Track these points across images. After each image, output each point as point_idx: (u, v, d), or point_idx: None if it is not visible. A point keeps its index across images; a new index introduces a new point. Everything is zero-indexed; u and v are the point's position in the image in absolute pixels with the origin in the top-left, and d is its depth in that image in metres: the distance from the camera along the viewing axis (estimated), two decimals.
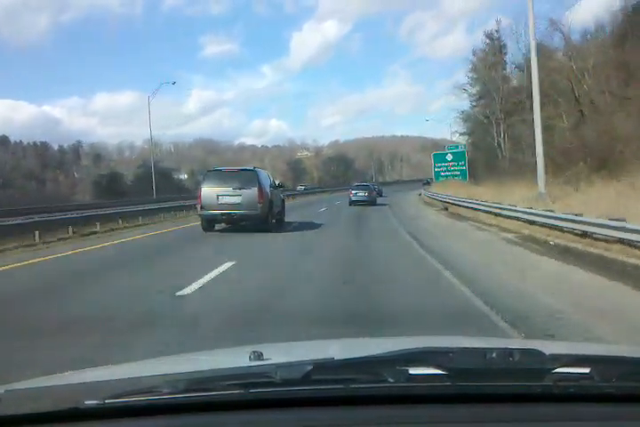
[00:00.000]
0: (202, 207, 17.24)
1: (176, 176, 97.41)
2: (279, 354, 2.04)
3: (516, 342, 3.55)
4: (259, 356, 1.66)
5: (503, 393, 1.46)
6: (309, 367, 1.45)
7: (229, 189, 17.09)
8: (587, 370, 1.47)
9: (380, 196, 46.76)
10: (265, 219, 17.46)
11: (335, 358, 1.62)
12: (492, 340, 3.37)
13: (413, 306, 6.76)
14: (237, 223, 17.88)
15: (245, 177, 17.51)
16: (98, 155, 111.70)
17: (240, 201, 16.93)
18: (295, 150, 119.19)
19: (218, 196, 16.99)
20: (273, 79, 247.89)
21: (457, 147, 52.58)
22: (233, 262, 10.16)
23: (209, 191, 17.20)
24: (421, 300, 7.23)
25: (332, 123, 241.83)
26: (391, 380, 1.44)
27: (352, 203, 36.37)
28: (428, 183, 64.23)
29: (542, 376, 1.46)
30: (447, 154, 50.78)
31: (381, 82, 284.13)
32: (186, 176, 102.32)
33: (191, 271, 9.20)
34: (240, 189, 17.04)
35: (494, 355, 1.52)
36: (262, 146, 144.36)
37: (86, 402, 1.42)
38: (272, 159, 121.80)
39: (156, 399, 1.44)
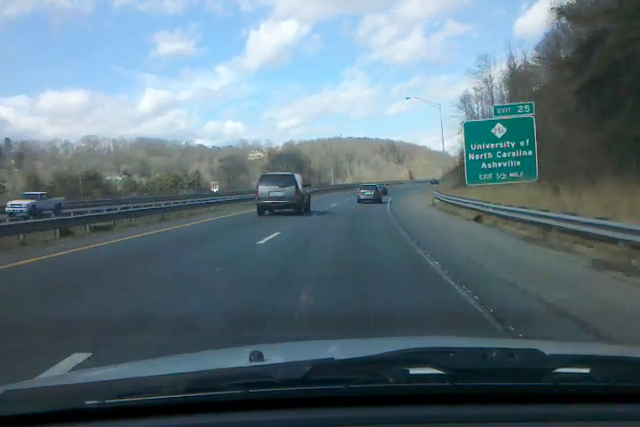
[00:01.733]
0: (259, 198, 25.81)
1: (110, 177, 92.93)
2: (279, 354, 2.04)
3: (516, 343, 3.53)
4: (259, 356, 1.66)
5: (503, 393, 1.46)
6: (309, 367, 1.45)
7: (277, 187, 25.48)
8: (587, 370, 1.47)
9: (385, 194, 51.00)
10: (299, 207, 25.85)
11: (335, 358, 1.62)
12: (492, 340, 3.37)
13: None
14: (280, 209, 25.80)
15: (286, 179, 26.67)
16: (20, 153, 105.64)
17: (283, 195, 25.40)
18: (247, 152, 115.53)
19: (269, 191, 25.39)
20: (229, 80, 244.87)
21: (516, 109, 26.49)
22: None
23: (263, 188, 25.67)
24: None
25: (289, 125, 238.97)
26: (391, 380, 1.44)
27: (360, 201, 41.16)
28: (436, 182, 66.90)
29: (542, 376, 1.46)
30: (495, 124, 25.94)
31: (339, 84, 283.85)
32: (119, 178, 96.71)
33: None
34: (283, 187, 25.48)
35: (494, 355, 1.53)
36: (213, 147, 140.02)
37: (86, 402, 1.42)
38: (222, 160, 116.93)
39: (156, 399, 1.44)
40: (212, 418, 1.43)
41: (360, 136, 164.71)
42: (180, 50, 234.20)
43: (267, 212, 26.03)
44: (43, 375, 3.12)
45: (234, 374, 1.60)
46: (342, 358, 1.62)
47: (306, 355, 1.87)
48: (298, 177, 27.99)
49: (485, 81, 55.14)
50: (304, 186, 28.73)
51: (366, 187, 44.91)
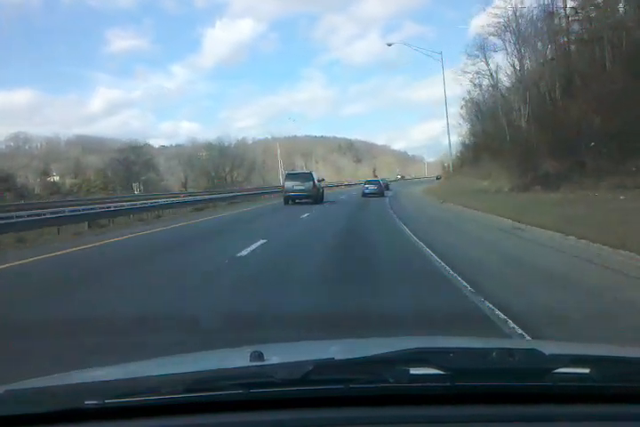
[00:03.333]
0: (285, 191, 33.70)
1: (24, 178, 75.30)
2: (279, 354, 2.03)
3: (516, 343, 3.56)
4: (259, 356, 1.66)
5: (503, 393, 1.47)
6: (309, 367, 1.45)
7: (298, 182, 33.03)
8: (586, 370, 1.48)
9: (388, 189, 54.89)
10: (315, 198, 32.91)
11: (335, 358, 1.62)
12: (492, 340, 3.36)
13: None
14: (300, 200, 32.74)
15: (306, 176, 34.57)
16: None
17: (304, 188, 32.72)
18: (197, 151, 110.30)
19: (293, 186, 32.91)
20: (185, 79, 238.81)
21: None
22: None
23: (288, 183, 33.52)
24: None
25: (246, 125, 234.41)
26: (391, 380, 1.44)
27: (364, 195, 44.34)
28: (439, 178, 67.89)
29: (542, 376, 1.47)
30: None
31: (297, 83, 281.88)
32: (38, 180, 79.38)
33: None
34: (303, 182, 33.00)
35: (494, 355, 1.53)
36: (160, 146, 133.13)
37: (86, 402, 1.42)
38: (167, 159, 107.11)
39: (156, 399, 1.44)
40: (212, 418, 1.43)
41: (317, 135, 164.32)
42: (133, 48, 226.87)
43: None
44: None
45: (234, 374, 1.59)
46: (343, 358, 1.62)
47: (306, 355, 1.87)
48: (314, 174, 36.03)
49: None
50: (319, 181, 36.28)
51: (370, 182, 48.97)
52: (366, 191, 45.17)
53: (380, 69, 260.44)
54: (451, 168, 52.19)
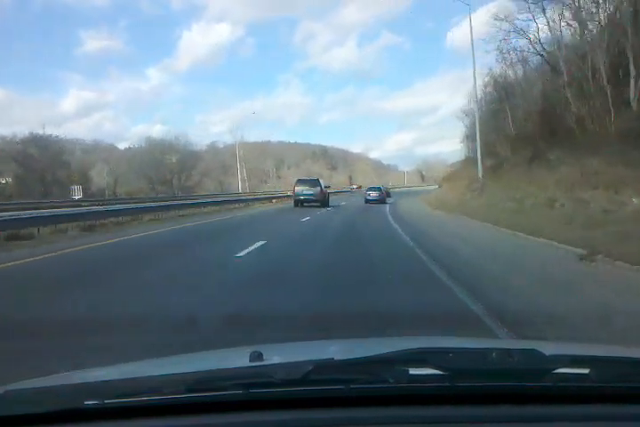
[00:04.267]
0: (295, 195, 37.69)
1: None
2: (279, 354, 2.03)
3: (516, 343, 3.55)
4: (259, 356, 1.66)
5: (503, 394, 1.47)
6: (309, 368, 1.45)
7: (307, 187, 37.55)
8: (586, 371, 1.48)
9: (389, 196, 54.89)
10: (323, 202, 37.49)
11: (335, 359, 1.62)
12: (491, 340, 3.39)
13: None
14: (309, 203, 36.68)
15: (314, 182, 38.85)
16: None
17: (312, 193, 37.18)
18: (164, 153, 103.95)
19: (302, 190, 37.33)
20: (160, 81, 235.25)
21: None
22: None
23: (298, 188, 37.65)
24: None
25: (221, 130, 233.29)
26: (391, 380, 1.44)
27: (367, 201, 45.60)
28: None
29: (542, 377, 1.47)
30: None
31: (274, 89, 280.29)
32: None
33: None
34: (312, 187, 37.54)
35: (494, 355, 1.53)
36: (125, 148, 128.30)
37: (86, 402, 1.42)
38: (129, 162, 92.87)
39: (156, 400, 1.44)
40: (211, 418, 1.43)
41: (291, 141, 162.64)
42: (107, 49, 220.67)
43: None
44: None
45: (234, 374, 1.59)
46: (342, 358, 1.62)
47: (306, 355, 1.87)
48: (321, 181, 40.46)
49: None
50: (325, 187, 40.45)
51: (372, 189, 50.27)
52: (368, 198, 46.20)
53: (357, 78, 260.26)
54: (479, 173, 32.58)
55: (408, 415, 1.43)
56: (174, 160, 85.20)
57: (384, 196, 47.46)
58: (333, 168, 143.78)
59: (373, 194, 46.87)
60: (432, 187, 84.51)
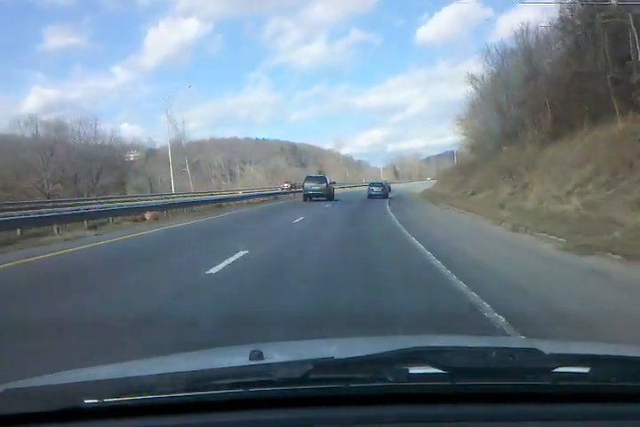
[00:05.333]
0: (305, 190, 42.69)
1: None
2: (279, 353, 2.03)
3: (516, 342, 3.54)
4: (258, 355, 1.65)
5: (503, 393, 1.47)
6: (309, 367, 1.45)
7: (315, 184, 42.76)
8: (586, 370, 1.48)
9: (389, 191, 56.95)
10: (328, 196, 42.01)
11: (335, 358, 1.61)
12: (491, 339, 3.39)
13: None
14: (317, 198, 41.21)
15: (321, 179, 44.59)
16: None
17: (319, 188, 42.13)
18: (125, 151, 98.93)
19: (311, 186, 42.43)
20: (126, 79, 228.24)
21: None
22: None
23: (307, 184, 42.83)
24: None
25: (189, 128, 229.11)
26: (391, 379, 1.44)
27: (370, 196, 48.33)
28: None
29: (542, 376, 1.47)
30: None
31: (243, 87, 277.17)
32: None
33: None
34: (319, 184, 42.75)
35: (494, 354, 1.54)
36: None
37: (86, 402, 1.42)
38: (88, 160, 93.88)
39: (155, 399, 1.43)
40: (211, 417, 1.42)
41: (259, 137, 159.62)
42: (71, 46, 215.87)
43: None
44: None
45: (233, 372, 1.59)
46: (342, 357, 1.61)
47: (306, 354, 1.87)
48: (328, 178, 46.28)
49: None
50: (331, 183, 46.84)
51: (375, 184, 53.84)
52: (372, 193, 49.57)
53: (327, 75, 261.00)
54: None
55: (408, 414, 1.43)
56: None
57: (386, 191, 51.02)
58: (302, 165, 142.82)
59: (376, 189, 50.40)
60: (418, 183, 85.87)
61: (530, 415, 1.43)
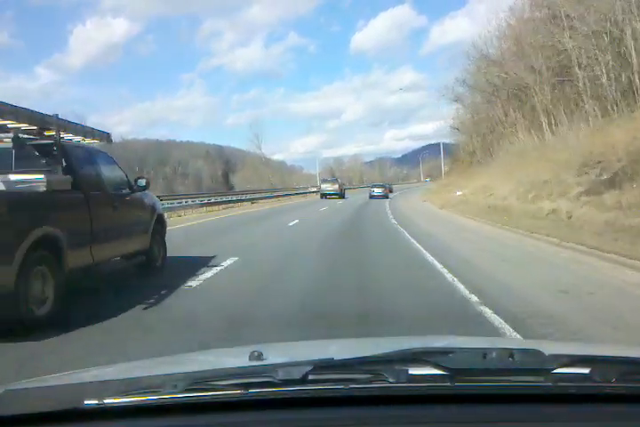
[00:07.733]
0: (320, 190, 55.56)
1: None
2: (279, 354, 2.04)
3: (516, 342, 3.56)
4: (258, 356, 1.65)
5: (503, 393, 1.47)
6: (309, 367, 1.45)
7: (330, 185, 55.04)
8: (587, 370, 1.48)
9: (391, 192, 65.07)
10: (341, 195, 53.53)
11: (335, 358, 1.61)
12: (491, 340, 3.41)
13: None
14: (331, 196, 51.00)
15: (334, 180, 57.79)
16: None
17: (333, 189, 53.78)
18: None
19: (326, 187, 54.66)
20: (50, 80, 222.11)
21: None
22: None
23: (323, 185, 55.97)
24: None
25: (118, 132, 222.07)
26: (391, 380, 1.44)
27: (372, 197, 52.48)
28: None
29: (542, 376, 1.47)
30: None
31: (176, 89, 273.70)
32: None
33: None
34: (333, 185, 54.85)
35: (494, 355, 1.54)
36: None
37: (86, 402, 1.42)
38: None
39: (155, 399, 1.43)
40: (211, 418, 1.42)
41: (183, 140, 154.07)
42: None
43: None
44: None
45: (233, 373, 1.58)
46: (342, 357, 1.61)
47: (306, 355, 1.87)
48: (339, 180, 59.72)
49: None
50: (342, 184, 57.77)
51: (376, 186, 59.47)
52: (373, 194, 54.27)
53: (263, 80, 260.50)
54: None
55: (408, 415, 1.43)
56: None
57: (387, 192, 56.66)
58: (230, 169, 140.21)
59: (377, 190, 55.67)
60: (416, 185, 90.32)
61: (530, 416, 1.44)
